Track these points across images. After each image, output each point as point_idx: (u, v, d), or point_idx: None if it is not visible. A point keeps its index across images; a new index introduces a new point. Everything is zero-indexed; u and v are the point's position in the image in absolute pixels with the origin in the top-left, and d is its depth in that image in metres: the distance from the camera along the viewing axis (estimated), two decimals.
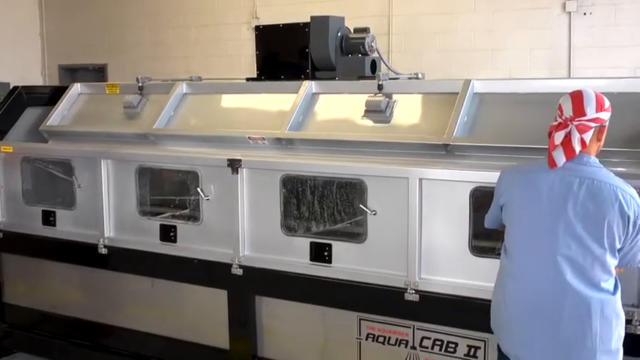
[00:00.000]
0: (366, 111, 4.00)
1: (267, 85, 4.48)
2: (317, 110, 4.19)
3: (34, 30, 12.31)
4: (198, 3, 10.47)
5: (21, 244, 4.91)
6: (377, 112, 3.95)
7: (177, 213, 4.49)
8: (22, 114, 5.22)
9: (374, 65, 4.33)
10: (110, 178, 4.49)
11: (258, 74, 4.58)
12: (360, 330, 3.80)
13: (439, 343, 3.60)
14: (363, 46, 4.27)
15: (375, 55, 4.34)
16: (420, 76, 4.30)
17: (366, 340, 3.79)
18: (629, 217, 2.64)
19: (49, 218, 4.76)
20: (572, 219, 2.66)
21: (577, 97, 2.71)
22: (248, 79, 4.60)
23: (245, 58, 10.14)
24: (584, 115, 2.67)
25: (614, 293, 2.71)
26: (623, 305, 2.76)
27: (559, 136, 2.68)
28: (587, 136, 2.66)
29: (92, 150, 4.58)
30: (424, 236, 3.55)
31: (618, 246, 2.67)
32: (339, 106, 4.17)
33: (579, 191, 2.66)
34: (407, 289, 3.57)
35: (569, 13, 7.61)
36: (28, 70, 12.11)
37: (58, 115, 4.98)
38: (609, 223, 2.63)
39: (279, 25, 4.50)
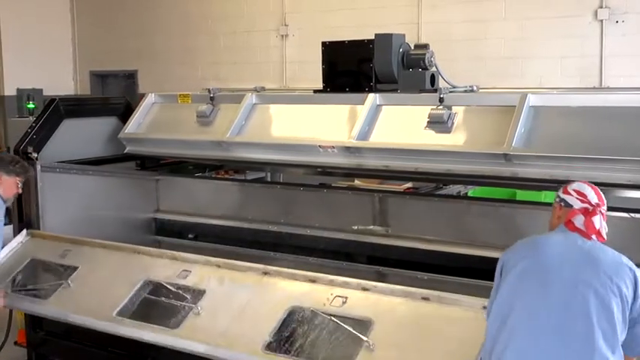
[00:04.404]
0: (428, 122, 4.29)
1: (332, 96, 4.79)
2: (381, 120, 4.50)
3: (66, 36, 12.61)
4: (228, 10, 10.69)
5: None
6: (439, 123, 4.26)
7: None
8: (59, 126, 5.35)
9: (433, 79, 4.64)
10: None
11: (323, 86, 4.91)
12: None
13: None
14: (424, 61, 4.58)
15: (434, 69, 4.65)
16: (474, 88, 4.64)
17: None
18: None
19: None
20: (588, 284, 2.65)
21: (595, 188, 2.94)
22: (315, 91, 4.92)
23: (274, 64, 10.38)
24: (604, 204, 2.90)
25: None
26: None
27: (596, 221, 2.81)
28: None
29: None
30: None
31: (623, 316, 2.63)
32: (402, 117, 4.47)
33: (583, 251, 2.74)
34: None
35: (601, 21, 7.76)
36: (60, 76, 12.42)
37: (135, 123, 5.34)
38: (619, 287, 2.63)
39: (344, 41, 4.83)
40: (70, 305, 4.36)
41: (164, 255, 4.43)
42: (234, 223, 5.64)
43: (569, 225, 2.84)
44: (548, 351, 2.63)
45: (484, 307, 3.19)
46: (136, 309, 4.16)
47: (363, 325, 3.49)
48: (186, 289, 4.06)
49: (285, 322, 3.67)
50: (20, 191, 4.57)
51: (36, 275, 4.78)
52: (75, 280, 4.45)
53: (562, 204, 2.92)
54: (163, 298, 4.09)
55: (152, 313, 4.14)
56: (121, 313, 4.12)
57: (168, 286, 4.10)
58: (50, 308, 4.42)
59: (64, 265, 4.63)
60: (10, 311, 4.94)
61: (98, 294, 4.33)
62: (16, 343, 5.13)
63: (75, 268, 4.54)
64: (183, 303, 3.98)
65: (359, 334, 3.42)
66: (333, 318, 3.55)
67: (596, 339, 2.59)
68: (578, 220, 2.83)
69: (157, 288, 4.19)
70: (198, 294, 4.01)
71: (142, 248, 4.61)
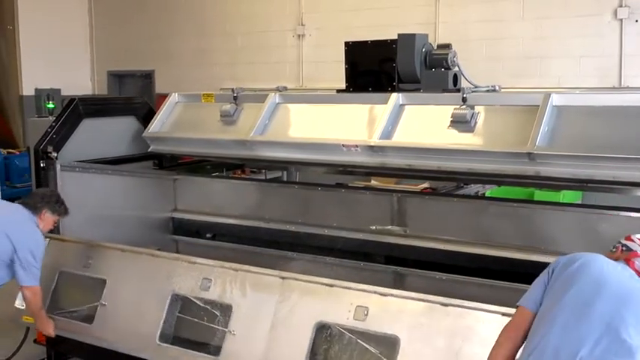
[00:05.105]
0: (452, 121, 4.29)
1: (355, 96, 4.80)
2: (404, 120, 4.50)
3: (84, 37, 12.68)
4: (244, 10, 10.69)
5: None
6: (463, 122, 4.25)
7: None
8: (79, 126, 5.37)
9: (455, 78, 4.65)
10: None
11: (346, 86, 4.92)
12: None
13: None
14: (446, 61, 4.58)
15: (456, 69, 4.64)
16: (497, 88, 4.63)
17: None
18: None
19: None
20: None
21: None
22: (338, 91, 4.92)
23: (290, 64, 10.38)
24: None
25: None
26: None
27: None
28: None
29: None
30: None
31: None
32: (425, 117, 4.48)
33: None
34: None
35: (621, 20, 7.67)
36: (78, 76, 12.48)
37: (159, 122, 5.37)
38: None
39: (367, 41, 4.84)
40: (113, 331, 4.44)
41: (181, 259, 4.43)
42: (251, 222, 5.65)
43: (630, 263, 2.89)
44: (591, 335, 2.66)
45: (503, 315, 3.19)
46: (174, 331, 4.24)
47: (390, 344, 3.51)
48: (214, 304, 4.11)
49: (315, 343, 3.71)
50: (53, 228, 4.71)
51: (71, 293, 4.81)
52: (107, 297, 4.49)
53: (623, 248, 2.96)
54: (196, 319, 4.16)
55: (190, 336, 4.22)
56: (162, 338, 4.19)
57: (195, 301, 4.16)
58: (98, 335, 4.50)
59: (92, 277, 4.66)
60: None
61: (134, 314, 4.39)
62: (35, 341, 5.13)
63: (104, 282, 4.55)
64: (216, 325, 4.06)
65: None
66: (359, 340, 3.60)
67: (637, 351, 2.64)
68: (638, 262, 2.88)
69: (185, 304, 4.25)
70: (226, 310, 4.05)
71: (158, 253, 4.63)
